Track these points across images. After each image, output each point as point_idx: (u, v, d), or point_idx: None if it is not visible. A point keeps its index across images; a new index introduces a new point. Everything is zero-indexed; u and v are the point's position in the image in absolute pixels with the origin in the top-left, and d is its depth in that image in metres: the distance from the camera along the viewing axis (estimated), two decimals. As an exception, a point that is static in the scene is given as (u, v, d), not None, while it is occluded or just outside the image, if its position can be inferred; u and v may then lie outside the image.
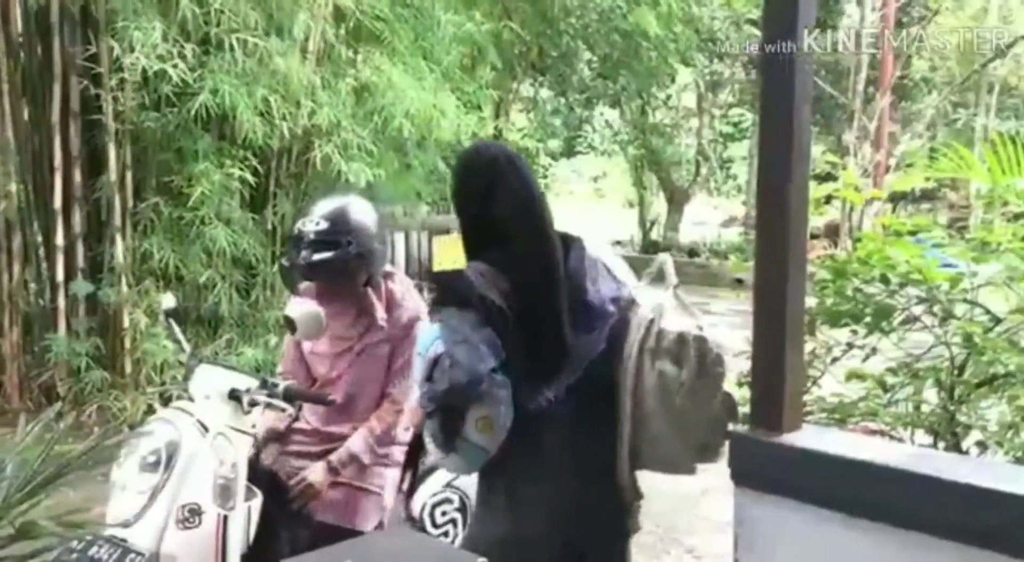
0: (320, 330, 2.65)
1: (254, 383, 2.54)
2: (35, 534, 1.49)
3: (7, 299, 6.03)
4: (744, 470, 2.26)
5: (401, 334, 2.78)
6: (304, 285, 2.65)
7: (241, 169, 5.88)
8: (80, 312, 5.97)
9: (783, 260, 2.13)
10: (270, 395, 2.51)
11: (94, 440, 1.56)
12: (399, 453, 2.86)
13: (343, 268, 2.68)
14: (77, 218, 5.96)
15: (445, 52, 6.99)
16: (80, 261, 5.99)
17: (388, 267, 2.92)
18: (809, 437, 2.23)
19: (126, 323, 5.91)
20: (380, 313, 2.80)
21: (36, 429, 1.59)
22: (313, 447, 2.82)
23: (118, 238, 5.90)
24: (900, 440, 2.74)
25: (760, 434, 2.23)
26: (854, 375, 2.66)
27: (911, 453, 2.34)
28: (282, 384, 2.54)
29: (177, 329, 2.83)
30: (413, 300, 2.86)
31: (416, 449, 2.73)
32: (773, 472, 2.20)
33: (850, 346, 2.85)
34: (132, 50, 5.27)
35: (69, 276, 5.95)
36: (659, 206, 17.43)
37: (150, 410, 5.69)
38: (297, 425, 2.89)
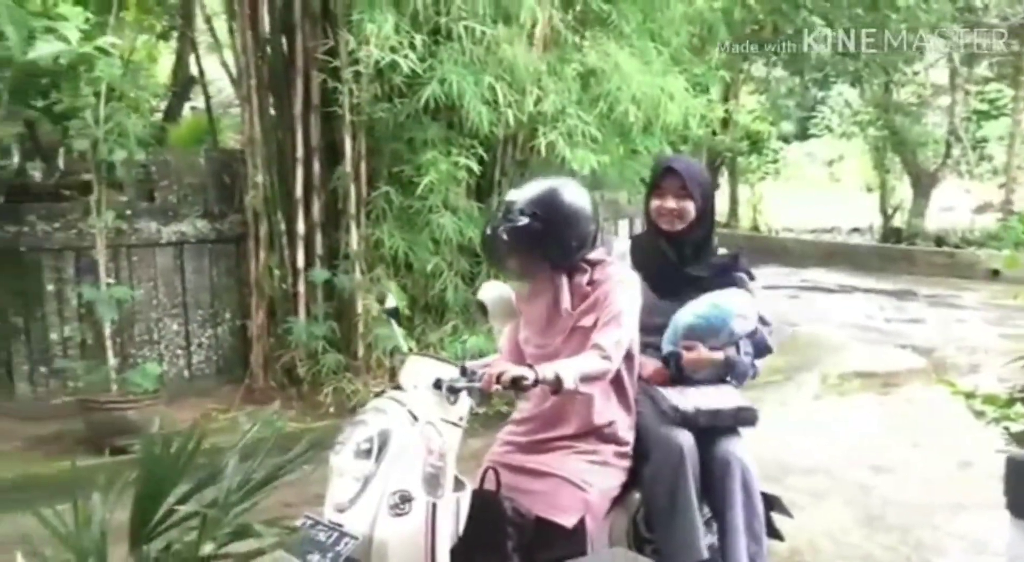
0: (511, 314, 2.66)
1: (457, 373, 2.53)
2: (251, 535, 1.50)
3: (254, 284, 6.41)
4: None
5: (606, 290, 2.72)
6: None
7: (468, 158, 5.93)
8: (318, 297, 6.25)
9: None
10: (469, 381, 2.49)
11: (302, 447, 1.54)
12: (612, 455, 2.74)
13: (529, 239, 2.65)
14: (316, 207, 6.25)
15: (674, 33, 6.74)
16: (318, 248, 6.27)
17: (598, 254, 2.81)
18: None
19: (359, 309, 6.13)
20: (566, 303, 2.74)
21: (255, 428, 1.58)
22: (527, 437, 2.81)
23: (353, 226, 6.13)
24: None
25: (1048, 462, 1.91)
26: None
27: None
28: (480, 372, 2.50)
29: (397, 329, 2.88)
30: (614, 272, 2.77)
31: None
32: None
33: None
34: (366, 43, 5.41)
35: (309, 263, 6.25)
36: (903, 191, 16.19)
37: (380, 394, 5.86)
38: (512, 417, 2.91)
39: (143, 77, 6.23)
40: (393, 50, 5.43)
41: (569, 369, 2.52)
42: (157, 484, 1.74)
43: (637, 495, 2.84)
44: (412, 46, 5.50)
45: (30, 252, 6.02)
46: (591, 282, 2.75)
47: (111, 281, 5.79)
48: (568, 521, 2.61)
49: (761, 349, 3.04)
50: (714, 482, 2.77)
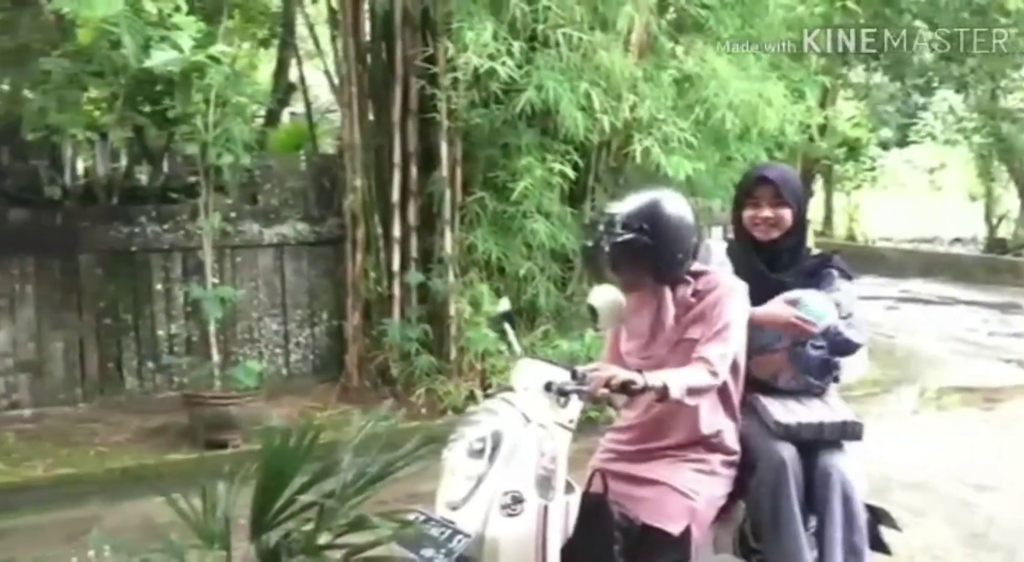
0: (620, 318, 2.65)
1: (567, 376, 2.53)
2: (366, 527, 1.55)
3: (351, 286, 6.56)
4: None
5: (714, 300, 2.70)
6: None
7: (562, 163, 5.96)
8: (413, 300, 6.37)
9: None
10: (579, 385, 2.48)
11: (414, 445, 1.59)
12: (720, 464, 2.72)
13: (633, 254, 2.63)
14: (412, 211, 6.37)
15: (773, 39, 6.65)
16: (413, 252, 6.39)
17: (700, 266, 2.79)
18: None
19: (452, 312, 6.22)
20: (670, 318, 2.73)
21: (369, 425, 1.64)
22: (632, 445, 2.81)
23: (447, 231, 6.23)
24: None
25: None
26: None
27: None
28: (590, 375, 2.49)
29: (511, 332, 2.89)
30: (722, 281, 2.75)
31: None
32: None
33: None
34: (465, 50, 5.49)
35: (404, 266, 6.38)
36: (1009, 200, 15.58)
37: (471, 396, 5.95)
38: (616, 425, 2.91)
39: (247, 84, 6.43)
40: (491, 57, 5.50)
41: (676, 379, 2.52)
42: (277, 475, 1.80)
43: (743, 505, 2.82)
44: (510, 53, 5.57)
45: (141, 252, 6.30)
46: (695, 293, 2.73)
47: (216, 281, 6.00)
48: (675, 528, 2.60)
49: (839, 343, 2.91)
50: (815, 495, 2.74)
